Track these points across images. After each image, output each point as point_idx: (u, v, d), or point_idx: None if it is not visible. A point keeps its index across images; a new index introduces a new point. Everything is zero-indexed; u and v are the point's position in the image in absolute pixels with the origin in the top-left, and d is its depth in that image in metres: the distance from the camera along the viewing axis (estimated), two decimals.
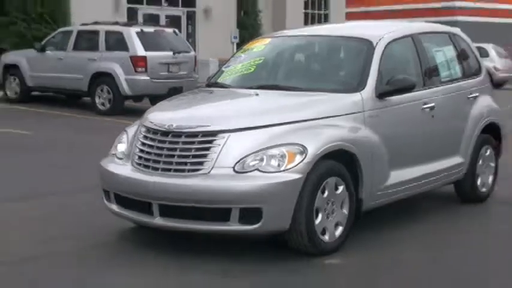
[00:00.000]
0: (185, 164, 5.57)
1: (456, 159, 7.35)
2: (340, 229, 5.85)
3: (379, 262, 5.75)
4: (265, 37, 8.14)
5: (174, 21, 25.12)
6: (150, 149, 5.77)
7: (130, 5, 24.01)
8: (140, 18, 23.90)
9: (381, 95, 6.31)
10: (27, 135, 12.72)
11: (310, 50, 7.30)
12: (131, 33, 16.39)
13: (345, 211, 5.88)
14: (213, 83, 7.12)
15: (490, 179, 7.97)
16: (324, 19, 32.57)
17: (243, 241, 5.83)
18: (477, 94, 7.71)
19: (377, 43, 6.58)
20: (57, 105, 17.37)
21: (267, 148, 5.50)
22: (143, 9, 24.55)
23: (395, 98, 6.44)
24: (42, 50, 17.83)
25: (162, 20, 24.75)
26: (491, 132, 7.93)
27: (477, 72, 8.02)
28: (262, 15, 28.98)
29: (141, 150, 5.84)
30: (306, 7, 31.76)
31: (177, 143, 5.65)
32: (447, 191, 7.91)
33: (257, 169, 5.41)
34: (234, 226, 5.42)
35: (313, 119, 5.88)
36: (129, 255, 5.81)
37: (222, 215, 5.42)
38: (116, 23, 17.70)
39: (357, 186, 6.01)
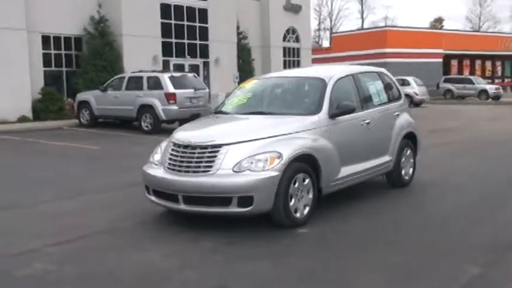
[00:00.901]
0: (200, 167, 5.57)
1: (386, 158, 7.36)
2: (307, 209, 5.86)
3: (335, 229, 5.73)
4: (254, 79, 8.13)
5: (194, 68, 25.13)
6: (176, 157, 5.77)
7: (164, 58, 23.95)
8: (171, 67, 23.85)
9: (332, 116, 6.34)
10: (97, 149, 12.72)
11: (284, 87, 7.27)
12: (165, 77, 16.40)
13: (310, 196, 5.89)
14: (218, 111, 7.10)
15: (411, 170, 7.99)
16: (297, 64, 32.54)
17: (241, 221, 5.76)
18: (398, 113, 7.71)
19: (328, 80, 6.62)
20: (115, 128, 17.36)
21: (255, 155, 5.51)
22: (173, 61, 24.50)
23: (342, 118, 6.47)
24: (105, 90, 17.82)
25: (186, 68, 24.72)
26: (409, 138, 7.91)
27: (398, 97, 8.01)
28: (255, 62, 28.98)
29: (170, 158, 5.83)
30: (284, 55, 31.69)
31: (193, 153, 5.67)
32: (380, 180, 7.90)
33: (248, 169, 5.42)
34: (234, 209, 5.42)
35: (286, 133, 5.90)
36: (160, 230, 5.77)
37: (226, 201, 5.42)
38: (154, 71, 17.67)
39: (318, 179, 5.99)
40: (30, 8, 19.82)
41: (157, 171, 5.89)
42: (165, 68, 23.04)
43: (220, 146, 5.58)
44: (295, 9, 31.33)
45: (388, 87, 7.80)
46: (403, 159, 7.72)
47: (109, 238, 5.49)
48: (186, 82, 16.97)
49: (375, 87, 7.55)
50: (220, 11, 25.79)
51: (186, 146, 5.74)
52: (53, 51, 21.54)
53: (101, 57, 21.38)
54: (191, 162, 5.62)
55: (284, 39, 31.63)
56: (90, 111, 18.13)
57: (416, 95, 29.87)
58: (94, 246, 5.20)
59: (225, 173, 5.43)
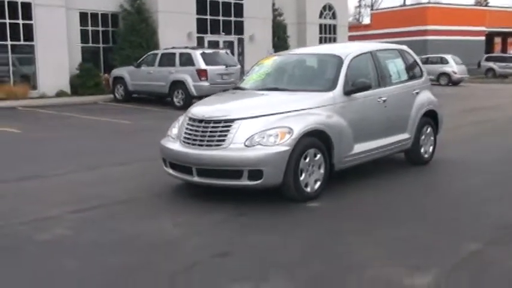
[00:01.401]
0: (213, 141, 5.72)
1: (404, 135, 7.38)
2: (318, 183, 5.96)
3: (344, 204, 5.84)
4: (273, 55, 8.18)
5: (229, 45, 25.22)
6: (191, 131, 5.93)
7: (199, 35, 24.10)
8: (206, 44, 23.99)
9: (347, 92, 6.38)
10: (128, 124, 13.03)
11: (301, 63, 7.34)
12: (197, 54, 16.56)
13: (322, 171, 5.97)
14: (237, 87, 7.26)
15: (431, 148, 7.96)
16: (333, 41, 32.15)
17: (254, 194, 5.88)
18: (419, 90, 7.68)
19: (345, 58, 6.64)
20: (148, 103, 17.64)
21: (267, 130, 5.62)
22: (208, 37, 24.61)
23: (358, 95, 6.51)
24: (139, 66, 18.13)
25: (221, 44, 24.81)
26: (430, 116, 7.89)
27: (420, 75, 7.96)
28: (290, 39, 28.80)
29: (186, 132, 5.99)
30: (320, 32, 31.40)
31: (207, 127, 5.81)
32: (399, 157, 7.91)
33: (259, 144, 5.54)
34: (245, 182, 5.56)
35: (299, 109, 5.98)
36: (175, 201, 5.97)
37: (237, 174, 5.56)
38: (186, 47, 17.84)
39: (330, 155, 6.08)
40: None
41: (173, 144, 6.07)
42: (200, 44, 23.17)
43: (233, 120, 5.70)
44: None
45: (408, 65, 7.78)
46: (423, 137, 7.71)
47: (125, 207, 5.73)
48: (218, 59, 17.10)
49: (395, 65, 7.53)
50: None
51: (200, 121, 5.89)
52: (90, 28, 21.96)
53: (136, 33, 21.65)
54: (205, 136, 5.77)
55: (320, 16, 31.31)
56: (124, 86, 18.52)
57: (455, 73, 29.21)
58: (111, 215, 5.45)
59: (237, 147, 5.56)
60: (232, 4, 25.45)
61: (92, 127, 12.52)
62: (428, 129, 7.83)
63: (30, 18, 19.45)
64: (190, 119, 6.06)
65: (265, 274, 3.86)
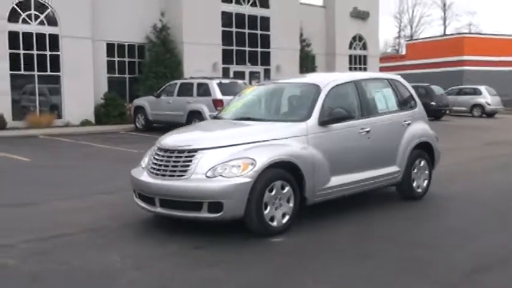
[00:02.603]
0: (175, 171, 5.57)
1: (393, 168, 7.06)
2: (287, 217, 5.71)
3: (312, 239, 5.52)
4: (256, 84, 8.05)
5: (255, 75, 25.34)
6: (157, 161, 5.80)
7: (224, 65, 24.32)
8: (231, 74, 24.15)
9: (323, 123, 6.15)
10: (136, 152, 12.87)
11: (280, 93, 7.14)
12: (213, 84, 16.64)
13: (291, 205, 5.73)
14: (215, 116, 7.15)
15: (425, 183, 7.60)
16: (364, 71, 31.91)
17: (214, 226, 5.70)
18: (410, 121, 7.38)
19: (324, 87, 6.42)
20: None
21: (229, 160, 5.43)
22: (233, 68, 24.81)
23: (336, 125, 6.27)
24: (158, 96, 18.38)
25: (247, 75, 24.96)
26: (425, 149, 7.56)
27: (412, 106, 7.67)
28: (318, 70, 28.75)
29: (153, 162, 5.86)
30: (350, 63, 31.23)
31: (171, 157, 5.67)
32: (392, 190, 7.58)
33: (221, 175, 5.35)
34: (205, 214, 5.38)
35: (268, 140, 5.78)
36: (138, 232, 5.83)
37: (197, 206, 5.38)
38: (204, 77, 17.94)
39: (302, 187, 5.83)
40: (96, 17, 20.80)
41: (141, 174, 5.95)
42: (225, 75, 23.37)
43: (196, 150, 5.55)
44: (362, 16, 30.84)
45: (399, 95, 7.50)
46: (415, 170, 7.38)
47: (87, 236, 5.61)
48: (236, 89, 16.98)
49: (382, 95, 7.27)
50: (283, 19, 25.83)
51: (166, 150, 5.78)
52: (116, 59, 22.46)
53: (161, 64, 22.03)
54: (168, 166, 5.63)
55: (350, 47, 31.21)
56: (145, 116, 18.74)
57: (488, 104, 28.43)
58: (68, 244, 5.33)
59: (199, 177, 5.40)
60: (259, 35, 25.65)
61: (101, 156, 12.62)
62: (422, 163, 7.50)
63: (57, 49, 20.01)
64: (158, 148, 5.94)
65: None
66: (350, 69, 30.87)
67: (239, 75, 24.12)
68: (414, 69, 41.96)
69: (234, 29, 24.73)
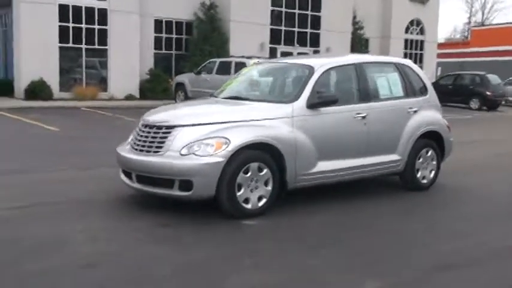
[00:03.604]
0: (152, 147, 5.54)
1: (393, 157, 6.76)
2: (264, 200, 5.57)
3: (285, 224, 5.36)
4: (256, 64, 7.86)
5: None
6: (138, 136, 5.80)
7: (271, 45, 24.11)
8: (278, 55, 23.92)
9: (312, 106, 5.93)
10: None
11: (274, 73, 6.99)
12: (250, 63, 16.41)
13: (269, 188, 5.58)
14: (211, 94, 7.11)
15: (432, 174, 7.22)
16: (420, 57, 30.81)
17: (187, 205, 5.63)
18: (417, 109, 7.00)
19: (317, 69, 6.18)
20: None
21: (204, 139, 5.34)
22: (281, 48, 24.55)
23: (327, 109, 6.05)
24: (198, 73, 18.49)
25: (295, 56, 24.64)
26: (433, 138, 7.20)
27: (423, 93, 7.27)
28: (371, 54, 27.93)
29: (135, 138, 5.86)
30: (405, 48, 30.21)
31: (149, 132, 5.64)
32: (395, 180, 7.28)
33: (193, 153, 5.29)
34: (176, 192, 5.34)
35: (248, 120, 5.65)
36: (117, 206, 5.86)
37: (169, 183, 5.34)
38: (242, 57, 17.84)
39: (283, 171, 5.66)
40: None
41: (124, 150, 5.96)
42: (272, 55, 23.17)
43: (173, 127, 5.50)
44: None
45: (407, 80, 7.11)
46: (420, 160, 7.03)
47: (65, 208, 5.67)
48: None
49: (386, 80, 6.94)
50: (336, 0, 25.24)
51: (146, 125, 5.76)
52: (164, 35, 22.72)
53: (208, 42, 22.09)
54: (146, 141, 5.62)
55: (406, 31, 30.19)
56: (184, 92, 18.94)
57: None
58: (39, 214, 5.40)
59: (172, 154, 5.35)
60: (309, 16, 25.20)
61: (132, 130, 12.77)
62: (429, 153, 7.13)
63: (105, 24, 20.41)
64: (141, 124, 5.92)
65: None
66: (405, 54, 29.88)
67: (287, 55, 23.82)
68: (478, 56, 40.15)
69: (283, 9, 24.42)
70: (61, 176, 7.24)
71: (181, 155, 5.31)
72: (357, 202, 6.34)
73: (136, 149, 5.70)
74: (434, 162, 7.24)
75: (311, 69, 6.18)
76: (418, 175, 7.05)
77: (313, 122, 5.93)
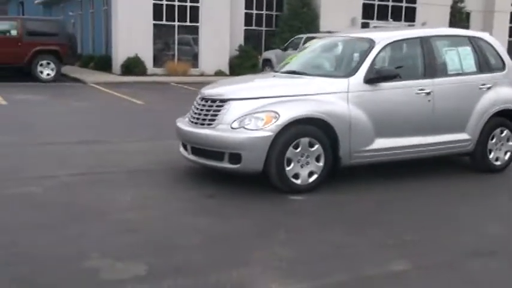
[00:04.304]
0: (206, 120, 5.64)
1: (462, 136, 6.40)
2: (314, 176, 5.51)
3: (333, 202, 5.25)
4: (319, 39, 7.73)
5: None
6: (195, 109, 5.91)
7: (363, 20, 23.45)
8: None
9: (370, 81, 5.75)
10: None
11: (334, 47, 6.81)
12: None
13: (321, 164, 5.51)
14: (273, 70, 7.11)
15: (507, 155, 6.76)
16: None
17: (237, 178, 5.68)
18: (490, 85, 6.54)
19: (378, 42, 5.97)
20: None
21: (255, 113, 5.37)
22: (374, 24, 23.80)
23: (387, 84, 5.84)
24: (285, 49, 18.45)
25: None
26: (510, 117, 6.73)
27: (499, 68, 6.76)
28: (472, 29, 26.36)
29: (192, 111, 5.97)
30: (511, 21, 28.16)
31: (204, 105, 5.74)
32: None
33: (243, 127, 5.33)
34: (225, 164, 5.42)
35: (300, 95, 5.61)
36: (171, 177, 6.05)
37: (220, 156, 5.43)
38: (328, 32, 17.53)
39: (336, 147, 5.58)
40: None
41: (182, 122, 6.11)
42: None
43: (226, 100, 5.56)
44: None
45: (481, 55, 6.64)
46: (494, 140, 6.59)
47: (124, 177, 5.94)
48: None
49: (457, 54, 6.50)
50: None
51: (202, 99, 5.86)
52: (254, 11, 22.81)
53: (298, 18, 21.89)
54: (201, 114, 5.73)
55: None
56: (271, 68, 18.93)
57: None
58: (100, 181, 5.71)
59: (224, 127, 5.42)
60: None
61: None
62: (504, 132, 6.66)
63: (197, 1, 20.85)
64: (199, 97, 6.02)
65: (152, 253, 3.73)
66: (511, 28, 27.85)
67: None
68: None
69: None
70: (128, 147, 7.57)
71: (232, 128, 5.37)
72: (417, 182, 6.06)
73: (192, 122, 5.83)
74: (510, 143, 6.74)
75: (371, 43, 5.96)
76: (491, 156, 6.62)
77: (370, 98, 5.75)
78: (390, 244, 4.12)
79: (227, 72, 21.42)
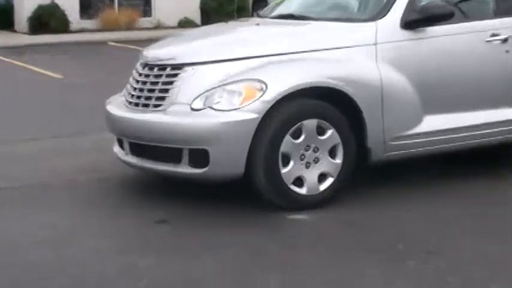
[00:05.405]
0: (150, 98, 5.60)
1: None
2: (329, 181, 5.48)
3: (350, 221, 5.26)
4: None
5: None
6: (134, 83, 5.86)
7: None
8: None
9: (409, 23, 5.75)
10: None
11: None
12: None
13: (338, 161, 5.49)
14: (257, 13, 7.31)
15: None
16: None
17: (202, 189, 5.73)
18: None
19: None
20: None
21: (227, 84, 5.34)
22: None
23: (438, 28, 5.84)
24: None
25: None
26: None
27: None
28: None
29: (131, 86, 5.92)
30: None
31: (148, 76, 5.70)
32: None
33: (210, 107, 5.29)
34: (184, 169, 5.37)
35: (298, 51, 5.58)
36: (108, 191, 6.17)
37: (175, 156, 5.38)
38: None
39: (362, 133, 5.56)
40: None
41: (115, 105, 6.08)
42: None
43: (181, 66, 5.51)
44: None
45: None
46: None
47: (27, 195, 6.00)
48: None
49: None
50: None
51: (144, 65, 5.80)
52: None
53: None
54: (143, 90, 5.68)
55: None
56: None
57: None
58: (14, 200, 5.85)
59: (180, 110, 5.39)
60: None
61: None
62: None
63: None
64: (139, 64, 5.97)
65: None
66: None
67: None
68: None
69: None
70: (37, 147, 7.57)
71: (193, 109, 5.33)
72: (479, 186, 6.02)
73: (130, 103, 5.78)
74: None
75: None
76: None
77: (412, 51, 5.77)
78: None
79: (198, 21, 21.41)
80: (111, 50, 17.13)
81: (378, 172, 5.97)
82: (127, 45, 17.52)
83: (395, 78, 5.62)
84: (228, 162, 5.24)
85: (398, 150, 5.73)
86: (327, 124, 5.40)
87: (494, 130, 6.12)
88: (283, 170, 5.31)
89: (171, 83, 5.49)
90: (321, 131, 5.40)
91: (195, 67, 5.48)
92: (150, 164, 5.62)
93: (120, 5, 21.05)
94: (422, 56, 5.76)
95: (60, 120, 9.03)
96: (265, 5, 18.82)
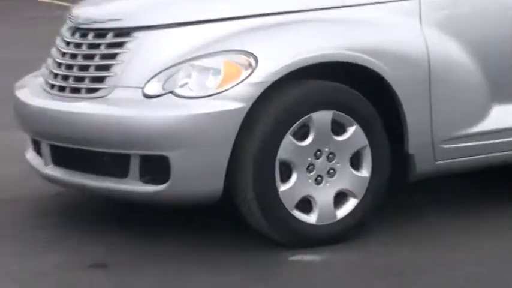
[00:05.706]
0: (82, 80, 4.96)
1: None
2: (351, 203, 4.80)
3: (382, 265, 4.59)
4: None
5: None
6: (59, 57, 5.26)
7: None
8: None
9: None
10: None
11: None
12: None
13: (364, 173, 4.81)
14: None
15: None
16: None
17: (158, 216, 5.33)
18: None
19: None
20: None
21: (198, 57, 4.71)
22: None
23: None
24: None
25: None
26: None
27: None
28: None
29: (54, 62, 5.29)
30: None
31: (79, 46, 5.08)
32: None
33: (172, 92, 4.61)
34: (132, 185, 4.73)
35: (301, 9, 5.01)
36: (23, 221, 5.62)
37: (120, 166, 4.78)
38: None
39: (400, 132, 4.97)
40: None
41: (30, 89, 5.51)
42: None
43: (129, 31, 4.86)
44: None
45: None
46: None
47: None
48: None
49: None
50: None
51: (74, 31, 5.15)
52: None
53: None
54: (72, 68, 5.03)
55: None
56: None
57: None
58: None
59: (127, 96, 4.75)
60: None
61: None
62: None
63: None
64: (66, 28, 5.34)
65: None
66: None
67: None
68: None
69: None
70: None
71: (146, 96, 4.72)
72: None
73: (52, 87, 5.15)
74: None
75: None
76: None
77: (477, 9, 5.21)
78: None
79: None
80: (40, 7, 17.28)
81: (421, 187, 5.55)
82: (61, 2, 17.51)
83: (450, 50, 5.10)
84: (199, 175, 4.61)
85: (455, 157, 5.14)
86: (348, 118, 4.77)
87: None
88: (282, 188, 4.68)
89: (113, 56, 4.88)
90: (337, 128, 4.78)
91: (149, 32, 4.89)
92: (82, 178, 4.98)
93: None
94: (492, 17, 5.27)
95: None
96: None
